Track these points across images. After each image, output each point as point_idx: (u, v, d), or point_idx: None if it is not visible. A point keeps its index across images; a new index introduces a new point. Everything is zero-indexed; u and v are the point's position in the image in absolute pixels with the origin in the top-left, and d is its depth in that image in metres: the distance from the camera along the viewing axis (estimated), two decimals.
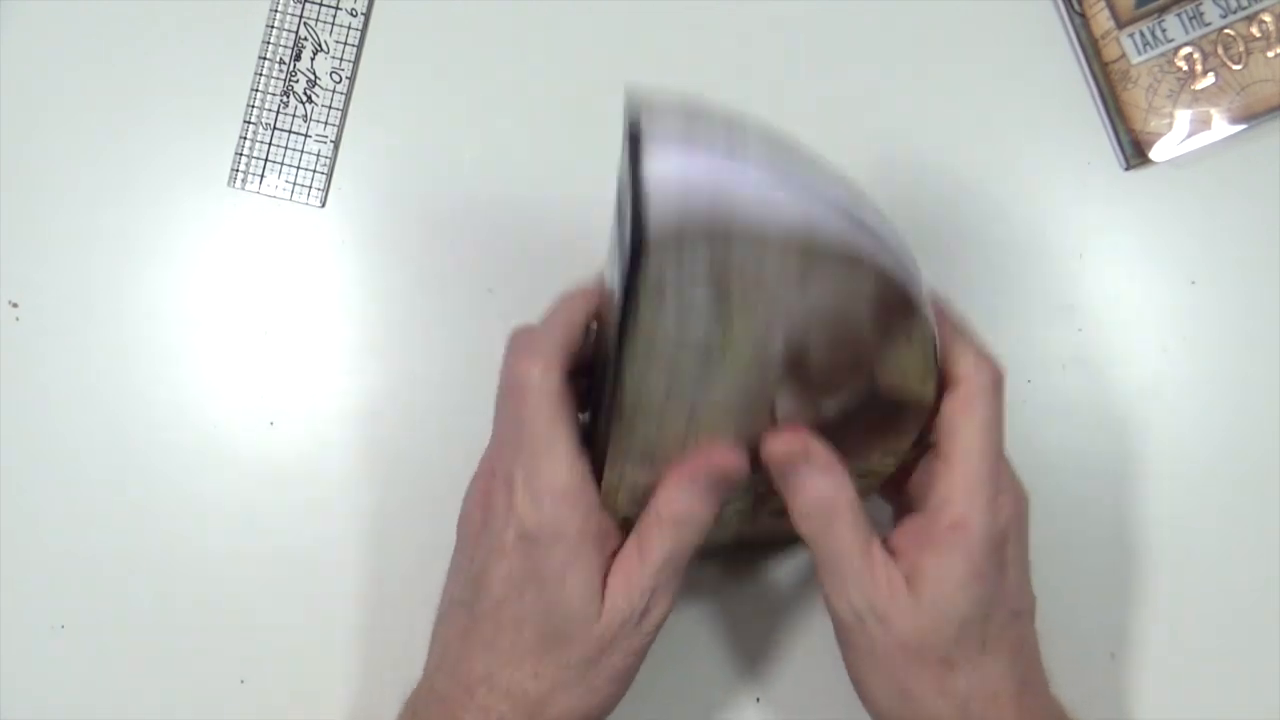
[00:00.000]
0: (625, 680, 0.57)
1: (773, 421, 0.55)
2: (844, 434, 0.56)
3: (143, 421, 0.65)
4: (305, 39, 0.65)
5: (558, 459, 0.55)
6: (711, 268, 0.49)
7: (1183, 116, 0.65)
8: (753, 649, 0.65)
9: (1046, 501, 0.65)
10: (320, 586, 0.64)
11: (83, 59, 0.65)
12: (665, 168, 0.49)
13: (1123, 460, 0.66)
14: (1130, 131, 0.65)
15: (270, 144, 0.65)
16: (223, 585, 0.64)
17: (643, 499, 0.56)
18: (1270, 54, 0.65)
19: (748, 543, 0.63)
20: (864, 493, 0.57)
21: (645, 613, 0.57)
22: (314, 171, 0.65)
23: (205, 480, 0.65)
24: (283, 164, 0.65)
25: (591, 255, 0.64)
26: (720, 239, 0.49)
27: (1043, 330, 0.66)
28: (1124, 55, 0.65)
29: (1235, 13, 0.65)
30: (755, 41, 0.66)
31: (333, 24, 0.65)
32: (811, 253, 0.50)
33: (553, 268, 0.65)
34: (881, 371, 0.55)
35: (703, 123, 0.50)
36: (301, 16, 0.65)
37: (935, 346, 0.55)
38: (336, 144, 0.66)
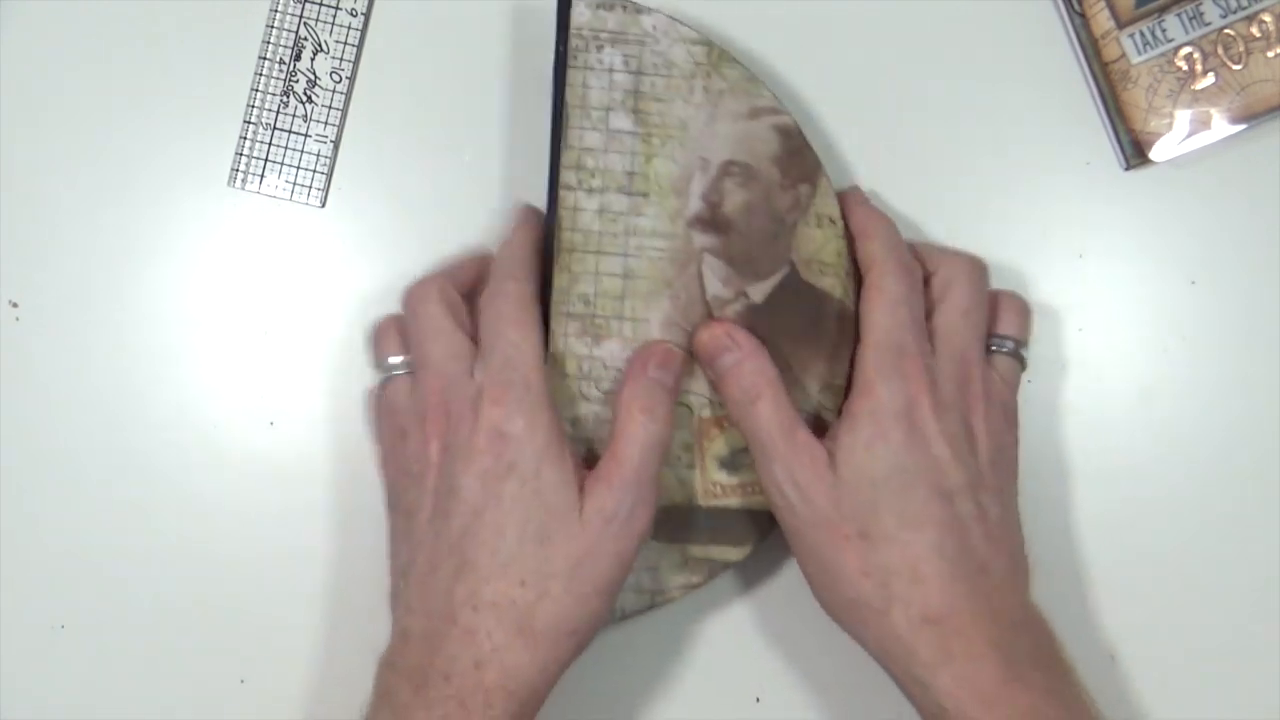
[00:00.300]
0: (611, 593, 0.58)
1: (704, 302, 0.61)
2: (779, 338, 0.61)
3: (143, 421, 0.65)
4: (305, 39, 0.65)
5: (529, 358, 0.58)
6: (628, 78, 0.60)
7: (1183, 116, 0.65)
8: (753, 649, 0.65)
9: (1047, 501, 0.65)
10: (320, 586, 0.64)
11: (83, 59, 0.65)
12: (583, 4, 0.62)
13: (1123, 460, 0.66)
14: (1130, 131, 0.65)
15: (270, 144, 0.65)
16: (223, 585, 0.64)
17: (588, 378, 0.60)
18: (1270, 54, 0.65)
19: (705, 528, 0.63)
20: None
21: (628, 517, 0.58)
22: (314, 171, 0.65)
23: (205, 480, 0.65)
24: (283, 164, 0.65)
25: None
26: (634, 41, 0.60)
27: (1043, 330, 0.66)
28: (1124, 55, 0.65)
29: (1235, 13, 0.65)
30: (762, 41, 0.66)
31: (333, 24, 0.65)
32: (715, 81, 0.61)
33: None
34: (797, 249, 0.61)
35: None
36: (301, 16, 0.65)
37: (848, 249, 0.62)
38: (336, 144, 0.66)
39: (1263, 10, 0.65)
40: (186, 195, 0.65)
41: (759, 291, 0.62)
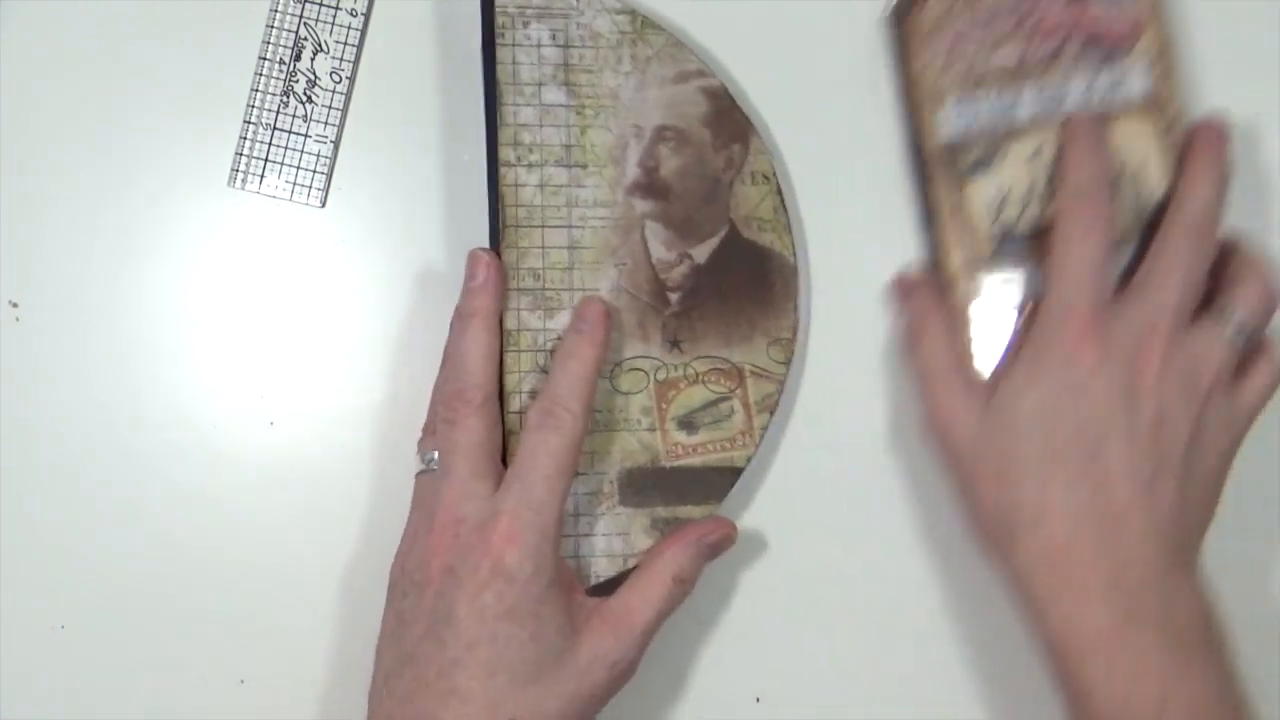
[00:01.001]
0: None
1: (650, 267, 0.62)
2: (725, 299, 0.63)
3: (142, 421, 0.65)
4: (305, 39, 0.65)
5: (555, 509, 0.58)
6: (556, 51, 0.62)
7: None
8: (753, 649, 0.65)
9: None
10: (320, 586, 0.64)
11: (83, 59, 0.65)
12: None
13: None
14: None
15: (270, 144, 0.65)
16: (222, 585, 0.64)
17: (543, 350, 0.62)
18: None
19: (670, 488, 0.63)
20: (767, 406, 0.63)
21: (627, 668, 0.59)
22: (314, 171, 0.65)
23: (205, 480, 0.65)
24: (283, 164, 0.65)
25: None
26: (559, 15, 0.62)
27: None
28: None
29: None
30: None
31: (333, 24, 0.65)
32: (641, 49, 0.63)
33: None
34: (735, 208, 0.63)
35: None
36: (301, 16, 0.65)
37: (782, 197, 0.64)
38: (336, 144, 0.66)
39: None
40: (186, 195, 0.65)
41: (701, 252, 0.63)
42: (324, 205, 0.66)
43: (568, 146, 0.63)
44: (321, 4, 0.65)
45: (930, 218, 0.65)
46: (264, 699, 0.64)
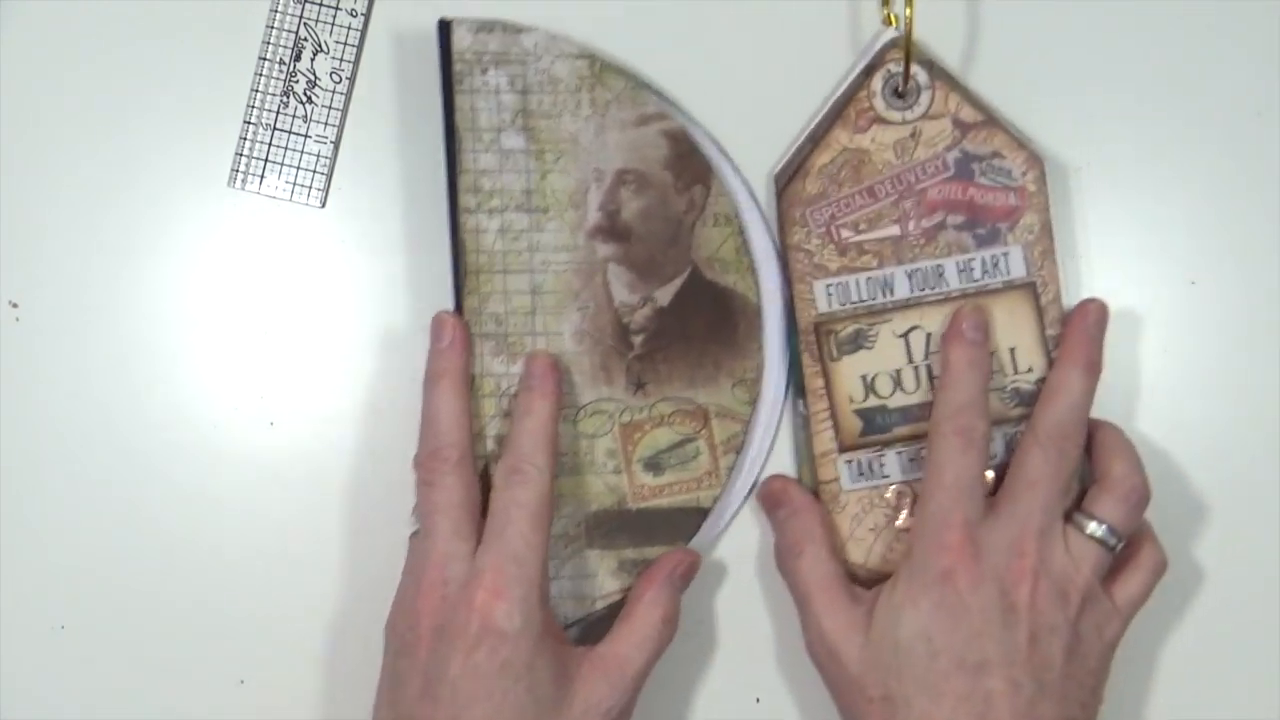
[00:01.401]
0: None
1: (612, 310, 0.63)
2: (689, 340, 0.63)
3: (142, 421, 0.65)
4: (305, 39, 0.65)
5: (539, 561, 0.58)
6: (515, 97, 0.63)
7: (880, 547, 0.64)
8: (753, 649, 0.65)
9: None
10: (320, 586, 0.64)
11: (83, 59, 0.65)
12: (464, 29, 0.63)
13: None
14: None
15: (270, 144, 0.65)
16: (222, 585, 0.64)
17: (506, 395, 0.62)
18: None
19: (637, 530, 0.63)
20: (731, 447, 0.64)
21: (620, 712, 0.59)
22: (314, 172, 0.65)
23: (205, 480, 0.65)
24: (283, 164, 0.65)
25: None
26: (516, 61, 0.62)
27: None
28: (838, 478, 0.64)
29: None
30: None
31: (333, 24, 0.65)
32: (600, 92, 0.63)
33: None
34: (697, 250, 0.63)
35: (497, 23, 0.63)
36: (301, 17, 0.65)
37: (744, 239, 0.64)
38: (336, 144, 0.66)
39: (987, 469, 0.63)
40: (186, 195, 0.65)
41: (665, 295, 0.63)
42: (324, 205, 0.66)
43: (528, 191, 0.63)
44: (321, 4, 0.65)
45: (800, 392, 0.64)
46: (264, 699, 0.64)
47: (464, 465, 0.60)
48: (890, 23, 0.64)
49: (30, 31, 0.65)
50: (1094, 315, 0.62)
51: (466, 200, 0.63)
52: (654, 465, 0.63)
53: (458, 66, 0.63)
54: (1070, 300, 0.65)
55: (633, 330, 0.63)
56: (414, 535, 0.61)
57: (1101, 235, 0.66)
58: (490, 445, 0.62)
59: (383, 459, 0.65)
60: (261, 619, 0.64)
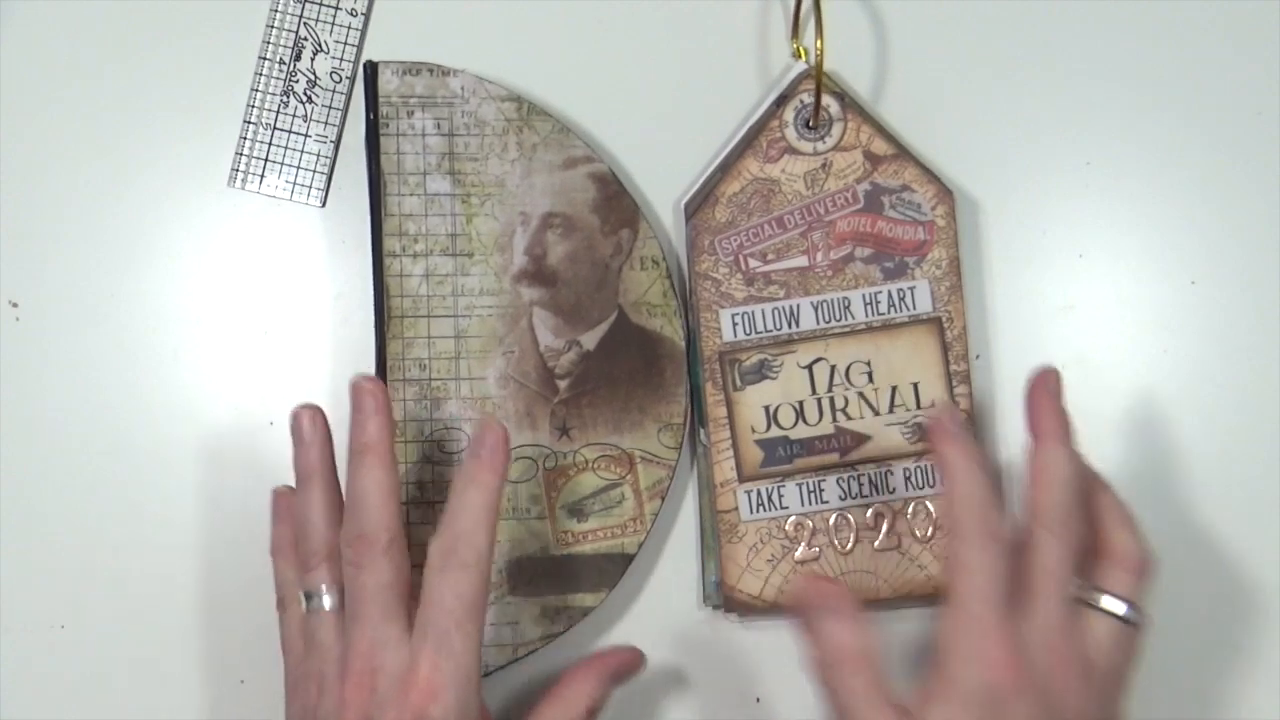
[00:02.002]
0: None
1: (538, 354, 0.62)
2: (615, 385, 0.63)
3: (143, 421, 0.65)
4: (305, 39, 0.65)
5: (476, 658, 0.56)
6: (441, 140, 0.62)
7: (775, 582, 0.63)
8: (753, 649, 0.65)
9: None
10: None
11: (83, 59, 0.65)
12: (390, 71, 0.63)
13: (1122, 461, 0.66)
14: (722, 582, 0.63)
15: (270, 144, 0.65)
16: (223, 585, 0.64)
17: (430, 440, 0.62)
18: (875, 544, 0.64)
19: (561, 576, 0.63)
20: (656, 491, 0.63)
21: None
22: (314, 171, 0.65)
23: (205, 480, 0.65)
24: (283, 164, 0.65)
25: None
26: (443, 103, 0.62)
27: (1042, 330, 0.66)
28: (736, 508, 0.64)
29: (853, 498, 0.64)
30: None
31: (333, 24, 0.65)
32: (528, 135, 0.63)
33: None
34: (624, 293, 0.63)
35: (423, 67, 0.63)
36: (301, 16, 0.65)
37: (672, 281, 0.63)
38: (336, 144, 0.66)
39: (881, 503, 0.64)
40: (186, 195, 0.65)
41: (591, 339, 0.63)
42: (324, 205, 0.66)
43: (453, 235, 0.63)
44: (321, 4, 0.65)
45: (701, 421, 0.64)
46: (264, 699, 0.64)
47: (394, 548, 0.57)
48: (800, 56, 0.65)
49: (30, 31, 0.65)
50: (1054, 383, 0.59)
51: (391, 244, 0.63)
52: (578, 511, 0.63)
53: (384, 109, 0.63)
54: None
55: (558, 375, 0.63)
56: (309, 615, 0.59)
57: (1102, 235, 0.66)
58: (414, 491, 0.62)
59: None
60: (261, 619, 0.64)
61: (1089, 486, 0.60)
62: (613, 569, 0.63)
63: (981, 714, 0.55)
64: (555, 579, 0.63)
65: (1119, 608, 0.58)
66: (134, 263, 0.65)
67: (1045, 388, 0.59)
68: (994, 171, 0.66)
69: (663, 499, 0.63)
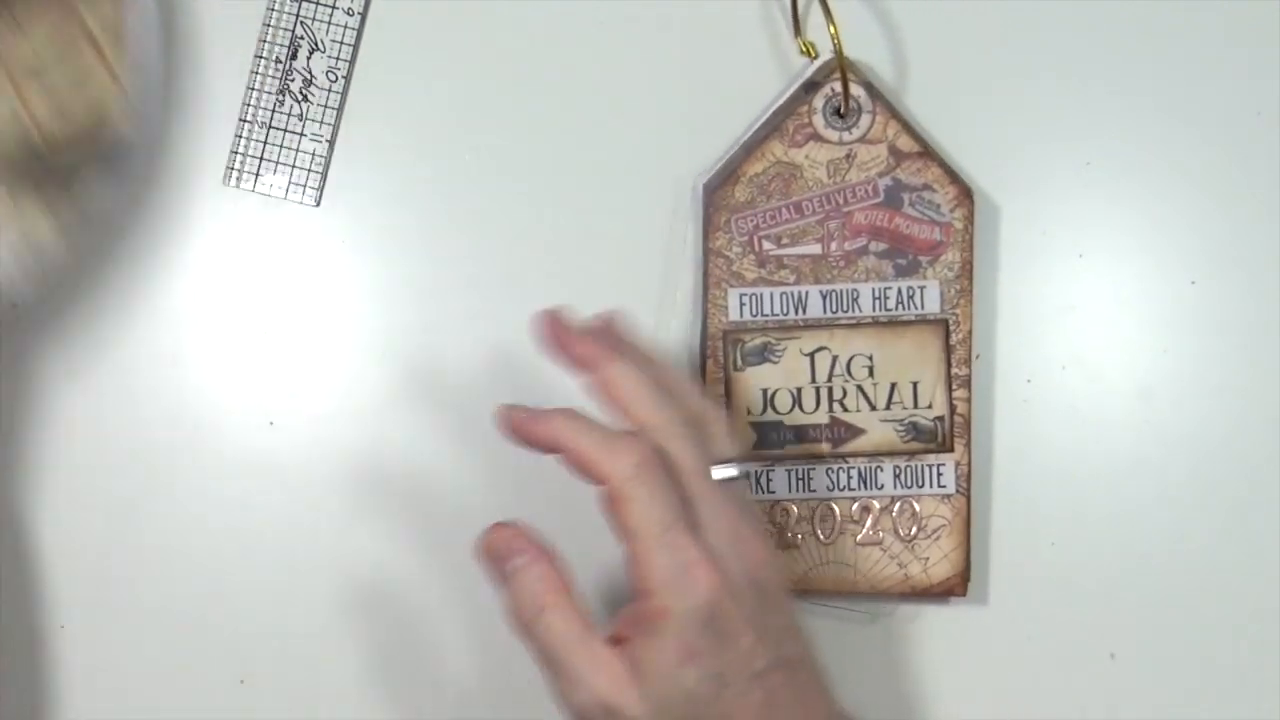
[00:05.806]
0: None
1: None
2: None
3: (142, 421, 0.65)
4: (301, 38, 0.65)
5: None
6: None
7: None
8: None
9: (1047, 502, 0.65)
10: (319, 587, 0.65)
11: None
12: None
13: (1122, 461, 0.66)
14: None
15: (266, 143, 0.65)
16: (222, 585, 0.65)
17: None
18: (857, 538, 0.64)
19: None
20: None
21: None
22: (310, 170, 0.65)
23: (205, 480, 0.65)
24: (278, 163, 0.65)
25: (587, 257, 0.63)
26: None
27: (1043, 330, 0.66)
28: None
29: (840, 490, 0.64)
30: None
31: (329, 23, 0.65)
32: None
33: (550, 270, 0.65)
34: None
35: None
36: (298, 15, 0.65)
37: None
38: (332, 143, 0.65)
39: (868, 497, 0.64)
40: (181, 194, 0.65)
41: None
42: (319, 204, 0.66)
43: None
44: (318, 3, 0.65)
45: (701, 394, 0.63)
46: (264, 699, 0.64)
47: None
48: (808, 53, 0.64)
49: None
50: (559, 319, 0.58)
51: None
52: None
53: None
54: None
55: None
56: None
57: (1102, 235, 0.66)
58: None
59: (382, 459, 0.65)
60: (261, 619, 0.64)
61: (646, 369, 0.58)
62: None
63: (704, 628, 0.54)
64: None
65: (732, 470, 0.57)
66: (130, 262, 0.65)
67: (554, 327, 0.57)
68: (994, 171, 0.66)
69: None
